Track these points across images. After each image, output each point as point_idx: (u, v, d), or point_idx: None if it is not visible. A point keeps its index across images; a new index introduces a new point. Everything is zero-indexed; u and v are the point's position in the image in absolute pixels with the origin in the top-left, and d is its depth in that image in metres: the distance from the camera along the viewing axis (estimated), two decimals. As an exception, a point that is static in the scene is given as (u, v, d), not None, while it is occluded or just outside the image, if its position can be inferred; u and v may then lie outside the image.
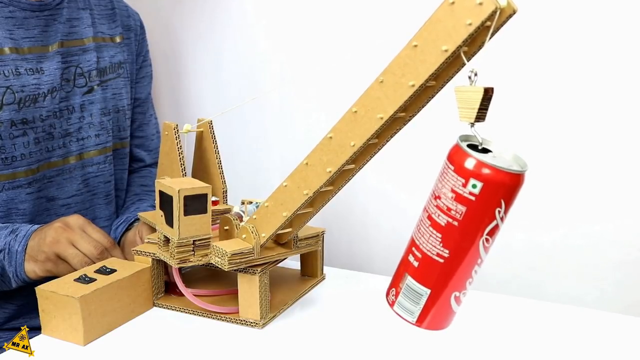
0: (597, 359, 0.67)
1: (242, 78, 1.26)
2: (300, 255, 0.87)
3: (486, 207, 0.47)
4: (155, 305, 0.79)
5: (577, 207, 1.00)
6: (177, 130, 0.79)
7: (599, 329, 0.74)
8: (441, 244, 0.50)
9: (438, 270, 0.50)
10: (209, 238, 0.71)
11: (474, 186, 0.47)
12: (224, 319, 0.75)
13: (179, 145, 0.79)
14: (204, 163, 0.85)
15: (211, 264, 0.72)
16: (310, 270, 0.88)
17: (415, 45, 0.50)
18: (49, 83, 0.92)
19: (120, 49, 1.06)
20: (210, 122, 0.83)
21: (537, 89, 0.98)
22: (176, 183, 0.69)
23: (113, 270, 0.75)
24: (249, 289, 0.73)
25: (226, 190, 0.84)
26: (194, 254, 0.70)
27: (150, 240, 0.80)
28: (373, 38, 1.09)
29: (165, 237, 0.71)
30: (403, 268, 0.53)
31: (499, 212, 0.48)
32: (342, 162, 0.60)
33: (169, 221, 0.69)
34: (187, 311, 0.77)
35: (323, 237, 0.84)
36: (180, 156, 0.79)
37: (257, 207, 0.80)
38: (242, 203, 0.83)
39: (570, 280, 1.03)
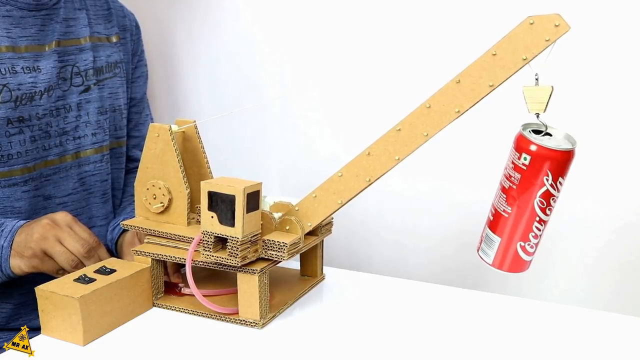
0: (597, 359, 0.67)
1: (240, 78, 1.25)
2: (300, 255, 0.87)
3: (535, 175, 0.62)
4: (155, 306, 0.79)
5: (577, 208, 1.01)
6: (172, 132, 0.78)
7: (598, 329, 0.74)
8: (506, 202, 0.65)
9: (505, 223, 0.66)
10: (259, 233, 0.72)
11: (525, 158, 0.62)
12: (223, 319, 0.75)
13: (175, 147, 0.78)
14: (186, 164, 0.82)
15: (262, 257, 0.73)
16: (310, 270, 0.88)
17: (494, 54, 0.63)
18: (46, 81, 0.91)
19: (117, 49, 1.06)
20: (195, 124, 0.81)
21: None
22: (229, 182, 0.69)
23: (113, 271, 0.74)
24: (249, 288, 0.72)
25: None
26: (249, 250, 0.70)
27: (150, 240, 0.80)
28: (372, 38, 1.10)
29: (217, 237, 0.70)
30: (486, 223, 0.69)
31: (547, 180, 0.62)
32: (411, 150, 0.69)
33: (226, 220, 0.69)
34: (186, 311, 0.77)
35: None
36: (178, 157, 0.78)
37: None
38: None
39: (570, 280, 1.03)
